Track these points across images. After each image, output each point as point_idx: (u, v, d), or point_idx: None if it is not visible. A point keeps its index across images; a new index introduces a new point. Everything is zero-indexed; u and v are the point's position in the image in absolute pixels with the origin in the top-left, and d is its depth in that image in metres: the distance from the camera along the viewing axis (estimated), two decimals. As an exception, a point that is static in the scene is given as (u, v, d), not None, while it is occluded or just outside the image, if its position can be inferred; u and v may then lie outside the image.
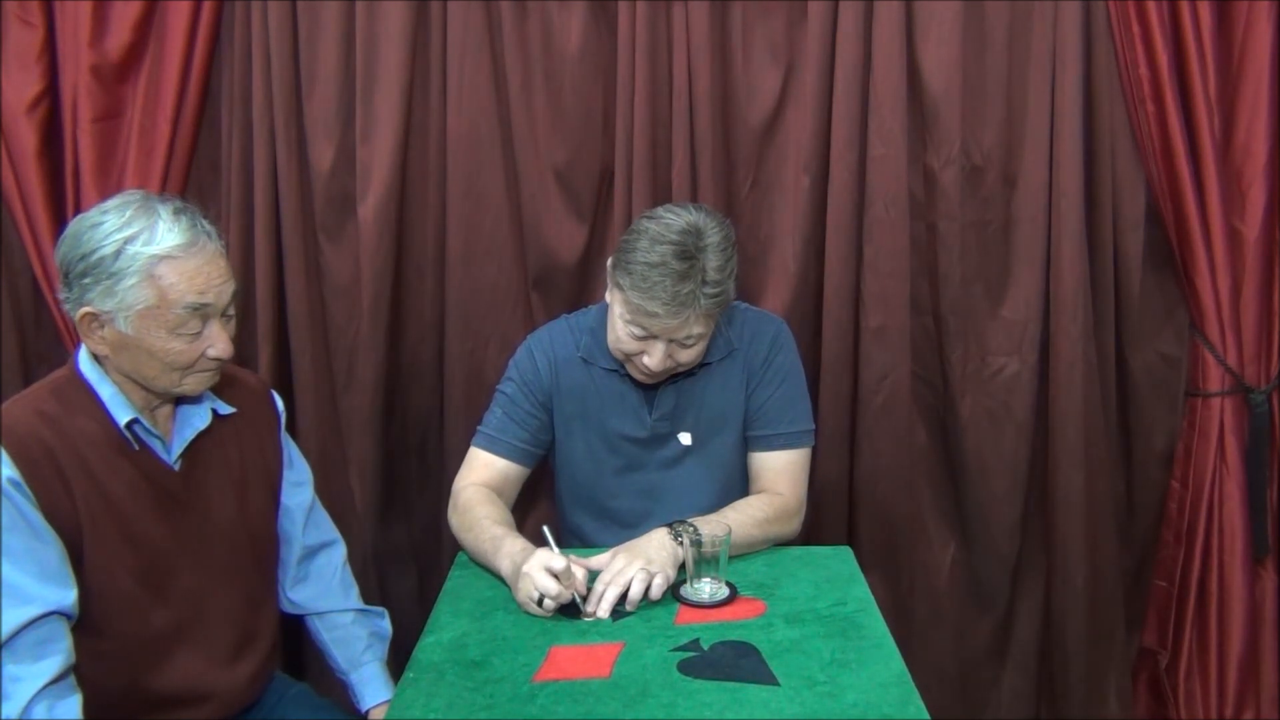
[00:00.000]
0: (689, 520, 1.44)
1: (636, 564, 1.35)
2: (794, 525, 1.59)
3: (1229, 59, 1.85)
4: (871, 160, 1.89)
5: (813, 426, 1.64)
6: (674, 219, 1.44)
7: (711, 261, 1.41)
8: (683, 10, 1.85)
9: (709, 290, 1.40)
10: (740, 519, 1.49)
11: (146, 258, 1.21)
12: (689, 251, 1.40)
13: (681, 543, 1.40)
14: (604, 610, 1.32)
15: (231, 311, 1.32)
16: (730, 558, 1.41)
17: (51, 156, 1.90)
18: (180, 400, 1.36)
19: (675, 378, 1.58)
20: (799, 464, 1.61)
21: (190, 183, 1.95)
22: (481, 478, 1.60)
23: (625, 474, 1.62)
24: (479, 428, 1.64)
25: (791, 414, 1.61)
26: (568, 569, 1.31)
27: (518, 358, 1.66)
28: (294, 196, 1.92)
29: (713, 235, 1.43)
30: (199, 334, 1.27)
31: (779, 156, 1.94)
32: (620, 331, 1.49)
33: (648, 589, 1.34)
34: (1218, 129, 1.82)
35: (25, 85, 1.86)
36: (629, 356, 1.51)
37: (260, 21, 1.88)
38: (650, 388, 1.59)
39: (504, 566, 1.40)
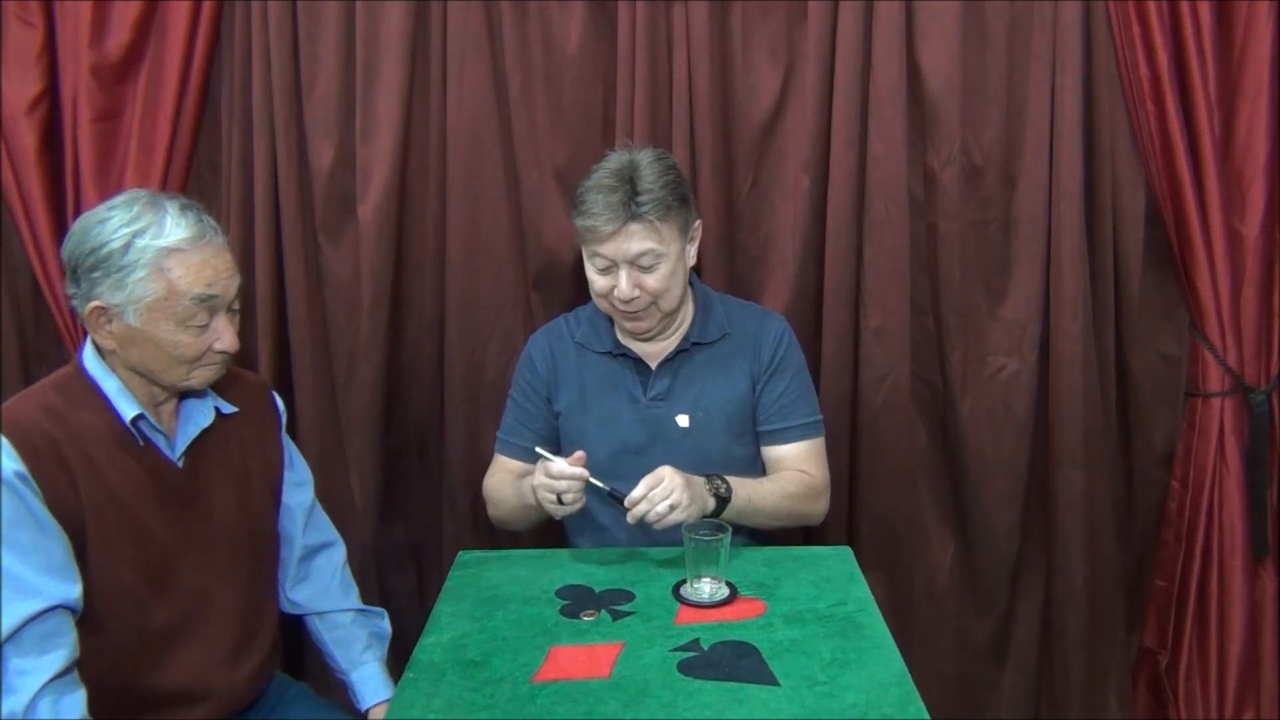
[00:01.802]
0: (724, 476, 1.51)
1: (677, 494, 1.40)
2: (821, 505, 1.65)
3: (1229, 59, 1.85)
4: (871, 160, 1.89)
5: (821, 416, 1.69)
6: (617, 155, 1.57)
7: (644, 175, 1.51)
8: (683, 10, 1.85)
9: (641, 198, 1.49)
10: (773, 489, 1.58)
11: (155, 250, 1.23)
12: (623, 171, 1.52)
13: (712, 490, 1.49)
14: (639, 510, 1.40)
15: (237, 306, 1.34)
16: (753, 529, 1.49)
17: (51, 156, 1.89)
18: (184, 397, 1.37)
19: (672, 361, 1.63)
20: (818, 449, 1.67)
21: (190, 183, 1.95)
22: (506, 474, 1.69)
23: (622, 457, 1.62)
24: (498, 432, 1.72)
25: (804, 408, 1.66)
26: (563, 468, 1.42)
27: (519, 361, 1.73)
28: (294, 196, 1.92)
29: (646, 157, 1.55)
30: (206, 326, 1.29)
31: (779, 156, 1.94)
32: (591, 275, 1.57)
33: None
34: (1218, 129, 1.82)
35: (25, 85, 1.86)
36: (609, 301, 1.57)
37: (260, 21, 1.88)
38: (645, 369, 1.64)
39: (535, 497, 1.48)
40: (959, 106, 1.87)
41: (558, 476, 1.42)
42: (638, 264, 1.52)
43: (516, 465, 1.68)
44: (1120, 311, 1.96)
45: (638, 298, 1.53)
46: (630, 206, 1.48)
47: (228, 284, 1.30)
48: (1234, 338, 1.89)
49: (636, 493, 1.40)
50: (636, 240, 1.50)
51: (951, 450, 2.02)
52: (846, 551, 1.55)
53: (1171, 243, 1.90)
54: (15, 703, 1.13)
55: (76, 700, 1.18)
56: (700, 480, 1.48)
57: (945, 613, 2.04)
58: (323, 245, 1.97)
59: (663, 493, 1.39)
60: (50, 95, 1.88)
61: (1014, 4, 1.86)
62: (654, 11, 1.85)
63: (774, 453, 1.66)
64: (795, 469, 1.64)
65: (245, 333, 1.95)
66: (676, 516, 1.39)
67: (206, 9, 1.87)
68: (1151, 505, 2.05)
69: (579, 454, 1.45)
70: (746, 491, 1.52)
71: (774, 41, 1.90)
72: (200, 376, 1.32)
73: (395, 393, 2.03)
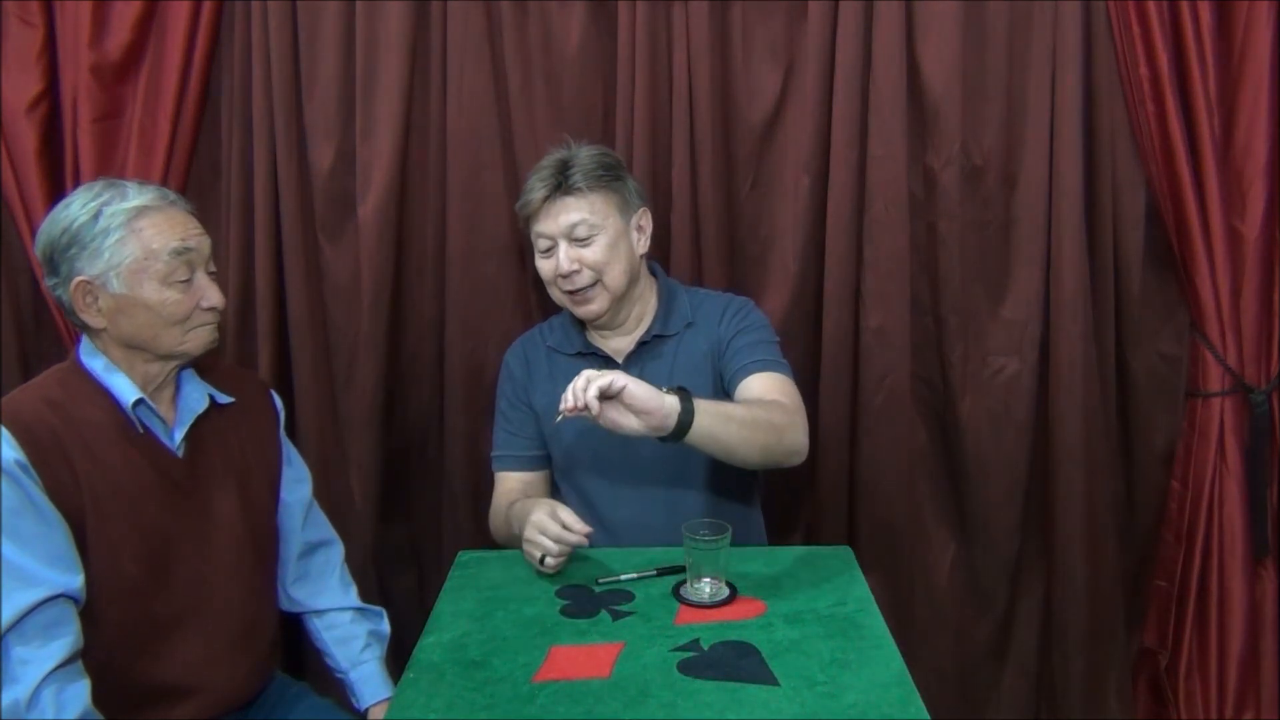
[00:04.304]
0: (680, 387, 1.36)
1: (597, 371, 1.29)
2: (800, 427, 1.48)
3: (1229, 59, 1.85)
4: (871, 160, 1.89)
5: (791, 371, 1.61)
6: (560, 150, 1.63)
7: (578, 156, 1.59)
8: (683, 10, 1.85)
9: (571, 170, 1.56)
10: (742, 405, 1.46)
11: (124, 212, 1.28)
12: (560, 158, 1.60)
13: (667, 391, 1.32)
14: (562, 405, 1.29)
15: (213, 268, 1.37)
16: (734, 452, 1.39)
17: (51, 156, 1.90)
18: (180, 386, 1.38)
19: (637, 354, 1.64)
20: (786, 383, 1.56)
21: (190, 183, 1.95)
22: (505, 495, 1.67)
23: (602, 455, 1.63)
24: (492, 452, 1.71)
25: (770, 351, 1.61)
26: (570, 521, 1.37)
27: (500, 375, 1.74)
28: (294, 196, 1.92)
29: (584, 147, 1.62)
30: (189, 282, 1.32)
31: (779, 156, 1.94)
32: (538, 263, 1.63)
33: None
34: (1218, 129, 1.82)
35: (25, 85, 1.86)
36: (558, 285, 1.60)
37: (260, 21, 1.88)
38: (614, 366, 1.64)
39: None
40: (959, 106, 1.87)
41: (565, 526, 1.38)
42: (573, 237, 1.57)
43: (517, 479, 1.68)
44: (1120, 311, 1.96)
45: (578, 272, 1.57)
46: (559, 178, 1.56)
47: (200, 240, 1.34)
48: (1234, 338, 1.89)
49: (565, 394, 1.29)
50: (567, 211, 1.56)
51: (951, 450, 2.02)
52: (846, 551, 1.55)
53: (1171, 243, 1.90)
54: (18, 692, 1.14)
55: (80, 690, 1.18)
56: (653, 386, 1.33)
57: (945, 613, 2.04)
58: (323, 245, 1.97)
59: (594, 372, 1.28)
60: (50, 95, 1.88)
61: (1014, 4, 1.86)
62: (654, 11, 1.85)
63: (741, 389, 1.55)
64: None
65: (245, 333, 1.97)
66: (604, 380, 1.26)
67: (206, 9, 1.87)
68: (1151, 505, 2.04)
69: (587, 530, 1.39)
70: (713, 401, 1.38)
71: (774, 41, 1.90)
72: (194, 339, 1.34)
73: (395, 393, 2.03)
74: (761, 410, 1.44)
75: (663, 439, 1.32)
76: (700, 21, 1.85)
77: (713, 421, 1.34)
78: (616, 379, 1.26)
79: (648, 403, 1.27)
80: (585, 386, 1.26)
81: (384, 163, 1.90)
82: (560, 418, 1.31)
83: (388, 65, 1.88)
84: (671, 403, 1.30)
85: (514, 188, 1.94)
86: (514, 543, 1.55)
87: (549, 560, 1.41)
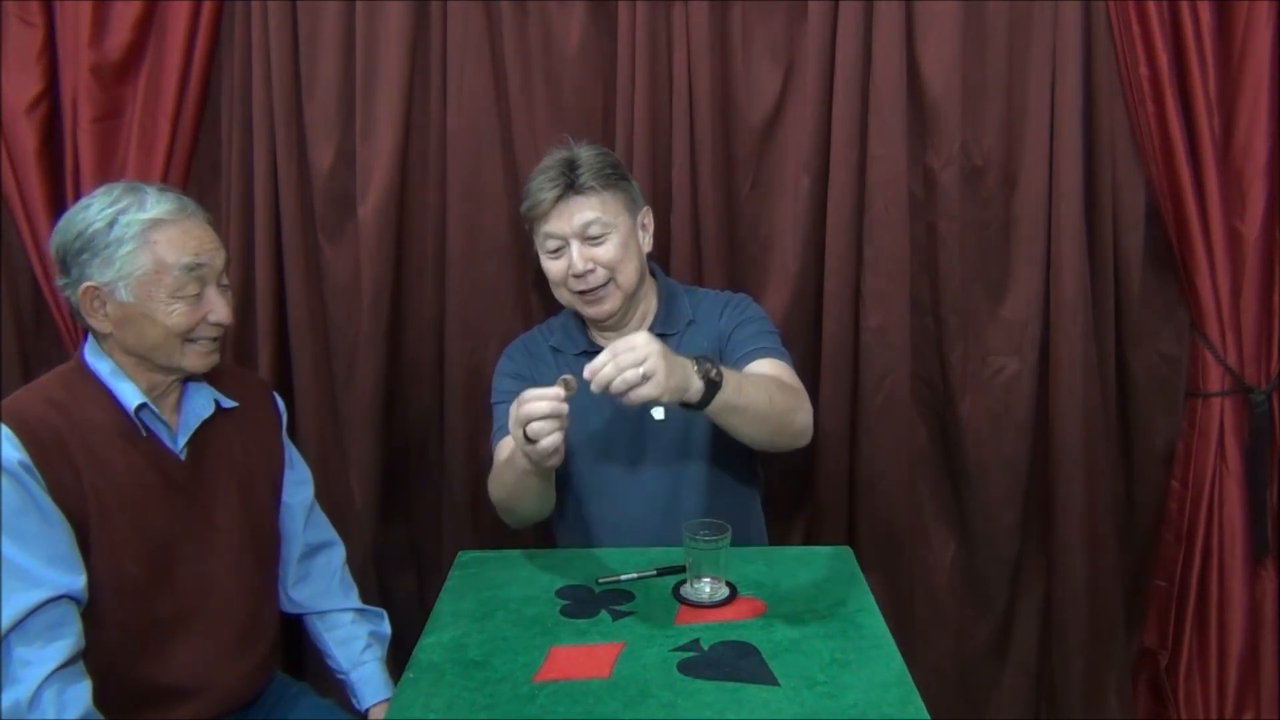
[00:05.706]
0: (716, 361, 1.34)
1: (651, 362, 1.20)
2: (805, 406, 1.49)
3: (1229, 59, 1.85)
4: (871, 160, 1.89)
5: (792, 360, 1.60)
6: (558, 151, 1.61)
7: (582, 155, 1.57)
8: (683, 10, 1.85)
9: (579, 169, 1.54)
10: (760, 379, 1.44)
11: (140, 223, 1.26)
12: (562, 158, 1.58)
13: (700, 372, 1.29)
14: (588, 373, 1.23)
15: (226, 280, 1.36)
16: (748, 425, 1.37)
17: (51, 156, 1.90)
18: (185, 392, 1.38)
19: None
20: (789, 369, 1.56)
21: (190, 183, 1.95)
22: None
23: (606, 455, 1.62)
24: (493, 434, 1.63)
25: (771, 341, 1.60)
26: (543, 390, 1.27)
27: (499, 366, 1.71)
28: (294, 196, 1.92)
29: (584, 148, 1.60)
30: (199, 296, 1.31)
31: (779, 156, 1.94)
32: (546, 265, 1.60)
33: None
34: (1218, 129, 1.82)
35: (25, 85, 1.86)
36: (568, 286, 1.58)
37: (260, 21, 1.88)
38: None
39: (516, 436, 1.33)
40: (959, 106, 1.87)
41: (538, 398, 1.27)
42: (586, 236, 1.54)
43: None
44: (1120, 311, 1.96)
45: (592, 271, 1.55)
46: (569, 177, 1.54)
47: (214, 254, 1.33)
48: (1234, 338, 1.89)
49: (600, 358, 1.22)
50: (580, 211, 1.54)
51: (951, 450, 2.02)
52: (846, 551, 1.55)
53: (1171, 243, 1.90)
54: (19, 693, 1.14)
55: (81, 691, 1.18)
56: (687, 360, 1.29)
57: (945, 613, 2.04)
58: (323, 245, 1.97)
59: (631, 359, 1.20)
60: (50, 95, 1.88)
61: (1014, 4, 1.87)
62: (654, 11, 1.85)
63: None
64: None
65: (245, 333, 1.97)
66: (649, 390, 1.20)
67: (206, 9, 1.87)
68: (1151, 505, 2.05)
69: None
70: (737, 379, 1.36)
71: (774, 41, 1.90)
72: (195, 354, 1.33)
73: (395, 393, 2.03)
74: (777, 390, 1.44)
75: (683, 405, 1.31)
76: (700, 21, 1.85)
77: (725, 408, 1.33)
78: (648, 387, 1.20)
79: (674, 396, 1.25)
80: (621, 387, 1.20)
81: (384, 163, 1.90)
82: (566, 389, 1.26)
83: (388, 65, 1.88)
84: (697, 387, 1.28)
85: (514, 188, 1.95)
86: (515, 490, 1.48)
87: (545, 442, 1.27)
